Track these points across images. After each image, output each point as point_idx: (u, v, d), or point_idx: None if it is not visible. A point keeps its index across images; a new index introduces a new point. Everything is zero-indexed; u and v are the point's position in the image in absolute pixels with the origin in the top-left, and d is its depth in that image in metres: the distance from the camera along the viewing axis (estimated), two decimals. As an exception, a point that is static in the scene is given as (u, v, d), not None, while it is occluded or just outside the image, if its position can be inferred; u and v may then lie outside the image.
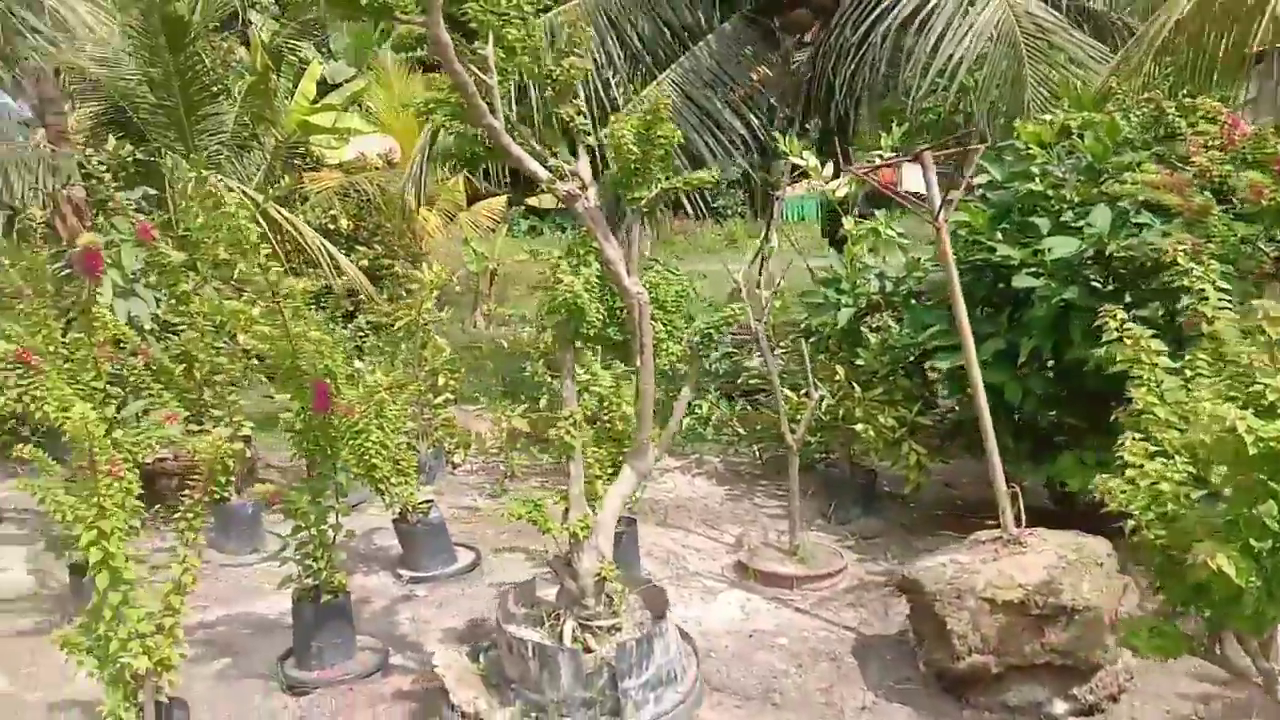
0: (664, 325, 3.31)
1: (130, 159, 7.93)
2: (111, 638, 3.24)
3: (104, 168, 7.60)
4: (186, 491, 3.44)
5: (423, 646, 4.59)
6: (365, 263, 12.55)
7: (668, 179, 3.19)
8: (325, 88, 16.03)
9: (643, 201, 3.10)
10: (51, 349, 5.33)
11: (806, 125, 9.10)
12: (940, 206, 4.02)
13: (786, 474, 6.80)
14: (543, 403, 6.94)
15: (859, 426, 5.62)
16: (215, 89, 10.70)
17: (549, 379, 6.91)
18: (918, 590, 4.06)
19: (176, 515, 3.39)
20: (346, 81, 17.12)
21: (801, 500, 6.17)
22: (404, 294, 13.92)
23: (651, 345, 3.15)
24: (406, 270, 14.61)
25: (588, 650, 3.20)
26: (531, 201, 21.40)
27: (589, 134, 3.27)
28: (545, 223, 27.92)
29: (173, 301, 5.38)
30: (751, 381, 7.61)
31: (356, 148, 15.65)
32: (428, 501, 5.46)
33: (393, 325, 6.93)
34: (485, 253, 15.49)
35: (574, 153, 3.32)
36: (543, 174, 3.18)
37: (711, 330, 3.47)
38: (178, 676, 3.41)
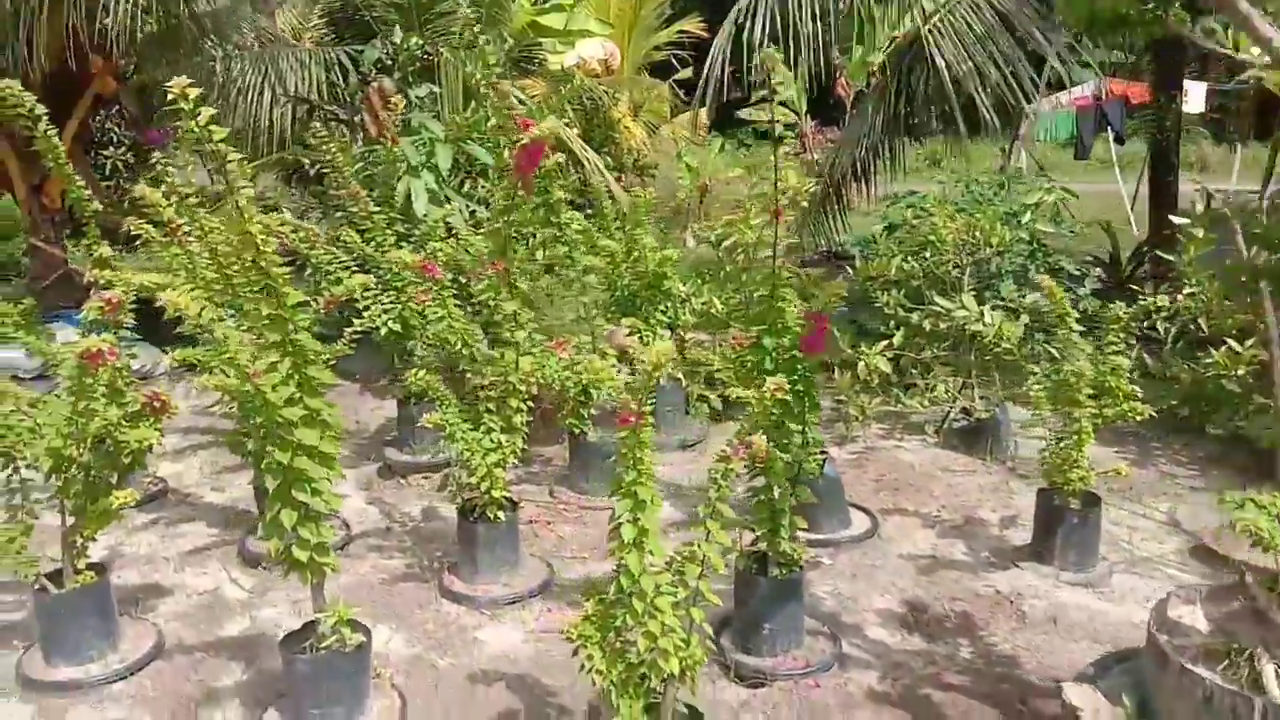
0: None
1: (420, 52, 7.27)
2: (639, 635, 2.56)
3: (394, 63, 7.00)
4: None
5: (863, 630, 3.87)
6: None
7: None
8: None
9: None
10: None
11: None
12: None
13: (1181, 436, 6.07)
14: (896, 340, 6.04)
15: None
16: (445, -14, 10.03)
17: (902, 312, 6.01)
18: None
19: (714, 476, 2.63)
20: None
21: (1220, 471, 5.28)
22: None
23: None
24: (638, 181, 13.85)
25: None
26: (743, 114, 20.10)
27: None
28: (729, 137, 26.67)
29: (542, 211, 4.68)
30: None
31: (576, 54, 14.83)
32: (823, 452, 4.69)
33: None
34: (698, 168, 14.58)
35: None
36: (1278, 39, 2.24)
37: None
38: (700, 683, 2.73)
